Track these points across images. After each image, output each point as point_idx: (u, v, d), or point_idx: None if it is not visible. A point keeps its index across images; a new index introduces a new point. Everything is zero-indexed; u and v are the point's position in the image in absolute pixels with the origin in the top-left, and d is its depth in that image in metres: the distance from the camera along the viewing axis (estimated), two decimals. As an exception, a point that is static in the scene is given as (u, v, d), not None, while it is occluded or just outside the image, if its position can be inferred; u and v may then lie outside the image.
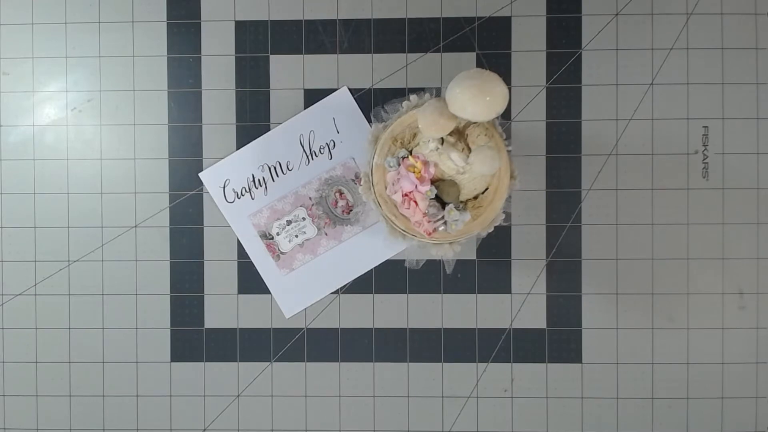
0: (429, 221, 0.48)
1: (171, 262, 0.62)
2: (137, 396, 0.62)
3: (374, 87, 0.61)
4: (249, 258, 0.61)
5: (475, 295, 0.61)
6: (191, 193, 0.62)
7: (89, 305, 0.62)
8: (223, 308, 0.62)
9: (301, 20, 0.61)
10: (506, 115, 0.61)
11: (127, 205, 0.62)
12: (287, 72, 0.61)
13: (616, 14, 0.61)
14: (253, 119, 0.61)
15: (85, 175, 0.62)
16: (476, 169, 0.46)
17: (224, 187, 0.61)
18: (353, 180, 0.61)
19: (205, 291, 0.62)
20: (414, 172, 0.48)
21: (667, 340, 0.61)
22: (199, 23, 0.61)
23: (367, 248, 0.61)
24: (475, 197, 0.51)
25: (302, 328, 0.62)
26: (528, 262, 0.61)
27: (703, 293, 0.61)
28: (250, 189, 0.61)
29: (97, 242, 0.62)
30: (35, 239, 0.62)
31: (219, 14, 0.61)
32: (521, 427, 0.61)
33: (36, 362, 0.62)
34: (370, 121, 0.60)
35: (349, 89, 0.61)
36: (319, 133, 0.61)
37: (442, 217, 0.48)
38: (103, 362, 0.62)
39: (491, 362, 0.61)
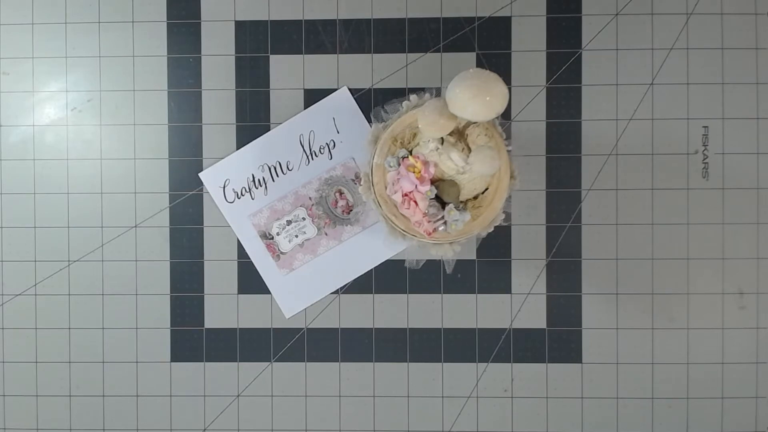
0: (429, 221, 0.48)
1: (171, 262, 0.62)
2: (137, 396, 0.62)
3: (374, 87, 0.61)
4: (249, 258, 0.61)
5: (475, 295, 0.61)
6: (191, 193, 0.62)
7: (89, 305, 0.62)
8: (223, 308, 0.61)
9: (301, 20, 0.61)
10: (506, 115, 0.61)
11: (127, 205, 0.62)
12: (287, 72, 0.61)
13: (616, 14, 0.61)
14: (253, 119, 0.61)
15: (85, 175, 0.62)
16: (476, 169, 0.46)
17: (224, 187, 0.61)
18: (353, 180, 0.61)
19: (205, 291, 0.62)
20: (414, 172, 0.48)
21: (667, 340, 0.61)
22: (199, 23, 0.61)
23: (367, 248, 0.61)
24: (475, 197, 0.51)
25: (302, 328, 0.62)
26: (528, 262, 0.61)
27: (703, 293, 0.61)
28: (250, 189, 0.61)
29: (97, 242, 0.62)
30: (35, 239, 0.62)
31: (219, 14, 0.61)
32: (521, 427, 0.61)
33: (36, 362, 0.62)
34: (370, 121, 0.60)
35: (349, 89, 0.61)
36: (319, 133, 0.61)
37: (442, 217, 0.48)
38: (103, 362, 0.62)
39: (491, 362, 0.61)
